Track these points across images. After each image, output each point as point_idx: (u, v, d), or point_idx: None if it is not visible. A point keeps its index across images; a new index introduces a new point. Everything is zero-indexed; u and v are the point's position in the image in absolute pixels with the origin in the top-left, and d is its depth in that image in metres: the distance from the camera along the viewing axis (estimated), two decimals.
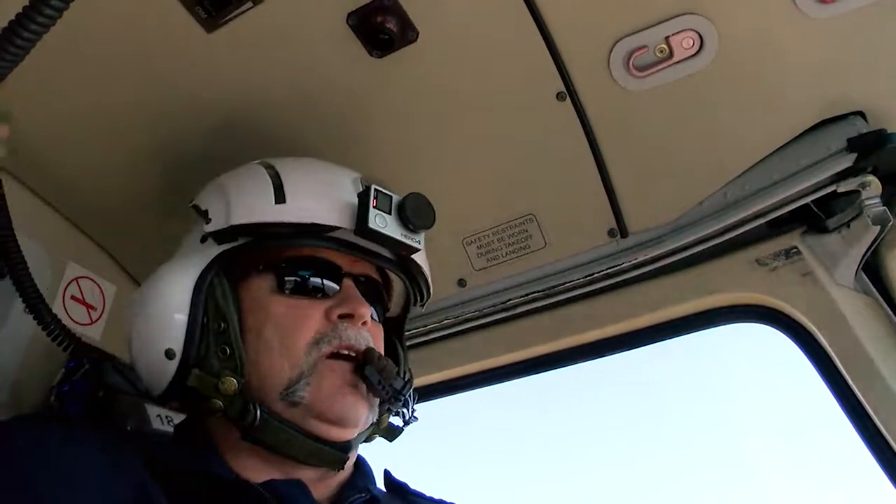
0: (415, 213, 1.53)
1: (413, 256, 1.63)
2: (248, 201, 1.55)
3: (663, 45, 1.76)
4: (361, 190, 1.55)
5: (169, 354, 1.47)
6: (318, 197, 1.56)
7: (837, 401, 1.94)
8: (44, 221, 2.14)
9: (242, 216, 1.53)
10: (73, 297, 2.16)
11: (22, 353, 1.99)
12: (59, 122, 1.95)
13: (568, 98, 1.87)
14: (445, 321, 2.34)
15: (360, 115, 1.94)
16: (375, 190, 1.51)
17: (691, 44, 1.75)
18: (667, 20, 1.72)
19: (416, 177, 2.04)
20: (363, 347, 1.51)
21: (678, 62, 1.78)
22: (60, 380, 2.00)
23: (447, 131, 1.98)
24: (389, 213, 1.52)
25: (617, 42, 1.77)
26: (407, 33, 1.74)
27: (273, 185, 1.55)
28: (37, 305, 1.75)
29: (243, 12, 1.69)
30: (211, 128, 1.95)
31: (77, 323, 2.12)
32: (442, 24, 1.74)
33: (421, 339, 2.39)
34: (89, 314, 2.20)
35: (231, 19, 1.71)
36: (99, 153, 2.04)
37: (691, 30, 1.73)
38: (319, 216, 1.52)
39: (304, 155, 1.77)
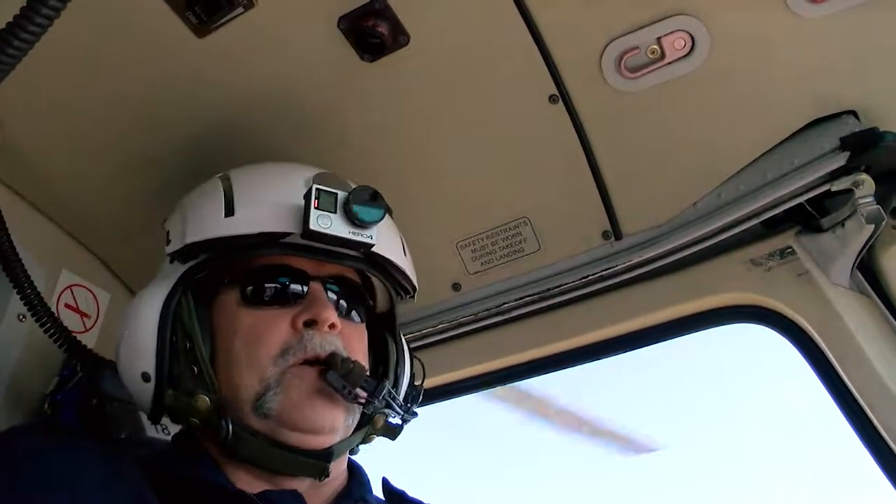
0: (359, 208, 1.48)
1: (379, 251, 1.58)
2: (200, 218, 1.55)
3: (655, 46, 1.76)
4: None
5: (145, 378, 1.48)
6: (266, 205, 1.53)
7: (834, 400, 1.94)
8: (36, 229, 2.13)
9: (195, 233, 1.53)
10: (66, 305, 2.16)
11: (15, 362, 1.98)
12: (50, 129, 1.95)
13: (560, 100, 1.87)
14: (440, 325, 2.32)
15: (351, 119, 1.94)
16: (317, 189, 1.48)
17: (683, 44, 1.74)
18: (658, 21, 1.72)
19: (409, 181, 2.04)
20: (327, 353, 1.48)
21: (670, 63, 1.77)
22: (54, 388, 1.99)
23: (439, 135, 1.98)
24: (335, 212, 1.48)
25: (609, 43, 1.77)
26: (398, 37, 1.73)
27: (225, 197, 1.55)
28: (33, 301, 1.75)
29: (234, 17, 1.69)
30: (202, 133, 1.95)
31: (71, 331, 2.11)
32: (433, 27, 1.74)
33: (416, 343, 2.37)
34: (83, 322, 2.20)
35: (222, 24, 1.70)
36: (91, 160, 2.04)
37: (683, 30, 1.73)
38: (267, 224, 1.50)
39: (297, 160, 1.76)
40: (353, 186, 1.57)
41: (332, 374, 1.44)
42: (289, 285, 1.55)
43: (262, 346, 1.47)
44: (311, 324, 1.50)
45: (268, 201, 1.54)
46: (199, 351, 1.48)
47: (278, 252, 1.54)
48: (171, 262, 1.59)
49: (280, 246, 1.53)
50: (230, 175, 1.63)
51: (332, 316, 1.50)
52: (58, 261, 2.17)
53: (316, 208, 1.46)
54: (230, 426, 1.42)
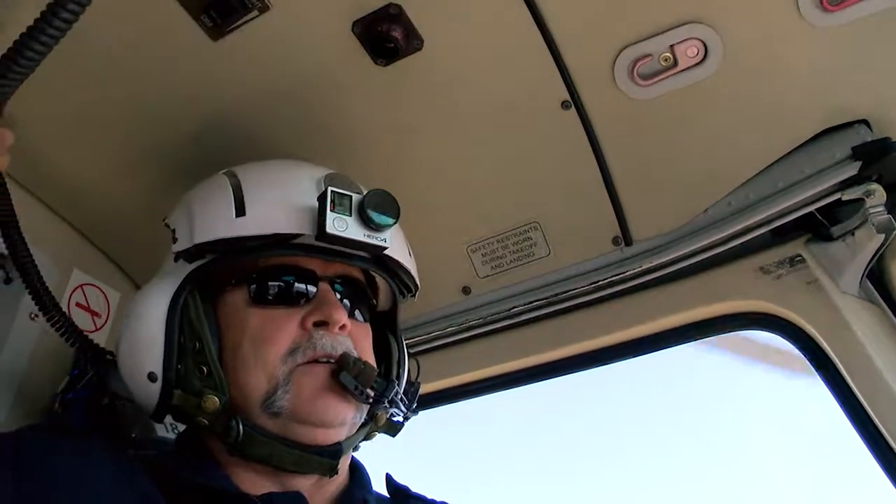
0: (375, 212, 1.49)
1: (388, 252, 1.58)
2: (209, 217, 1.53)
3: (667, 54, 1.76)
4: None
5: (151, 377, 1.47)
6: (278, 205, 1.53)
7: (842, 408, 1.94)
8: (48, 228, 2.14)
9: (205, 234, 1.51)
10: (77, 304, 2.16)
11: (26, 361, 1.99)
12: (63, 128, 1.95)
13: (573, 106, 1.87)
14: (450, 328, 2.33)
15: (364, 122, 1.95)
16: (333, 192, 1.47)
17: (696, 52, 1.75)
18: (671, 29, 1.73)
19: (421, 184, 2.05)
20: (339, 353, 1.48)
21: (682, 71, 1.78)
22: (65, 387, 2.00)
23: (451, 139, 1.98)
24: (350, 215, 1.47)
25: (621, 50, 1.77)
26: (412, 42, 1.74)
27: (234, 197, 1.53)
28: (44, 300, 1.75)
29: (249, 21, 1.70)
30: (216, 135, 1.96)
31: (82, 330, 2.12)
32: (447, 32, 1.74)
33: (425, 346, 2.39)
34: (94, 321, 2.21)
35: (237, 27, 1.71)
36: (103, 160, 2.05)
37: (696, 38, 1.73)
38: (280, 226, 1.50)
39: (310, 162, 1.76)
40: (361, 187, 1.58)
41: (344, 374, 1.45)
42: (297, 285, 1.55)
43: (271, 345, 1.47)
44: (320, 324, 1.50)
45: (279, 201, 1.53)
46: (208, 351, 1.48)
47: (287, 252, 1.54)
48: (176, 260, 1.58)
49: (290, 246, 1.53)
50: (236, 172, 1.62)
51: (343, 317, 1.51)
52: (69, 260, 2.18)
53: (332, 211, 1.46)
54: (240, 426, 1.42)
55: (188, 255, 1.54)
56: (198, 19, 1.69)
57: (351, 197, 1.49)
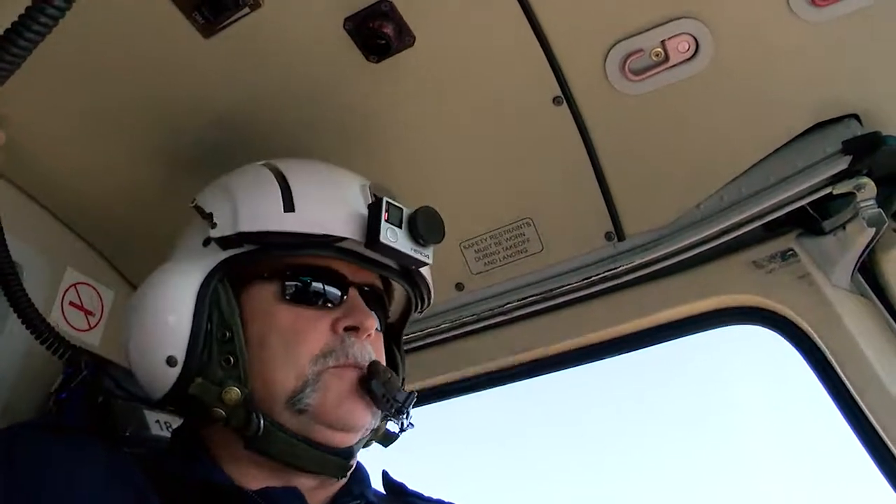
0: (426, 227, 1.51)
1: (423, 269, 1.62)
2: (255, 208, 1.51)
3: (659, 49, 1.76)
4: (371, 199, 1.54)
5: (171, 362, 1.44)
6: (328, 206, 1.53)
7: (834, 402, 1.95)
8: (41, 227, 2.14)
9: (250, 223, 1.49)
10: (71, 303, 2.16)
11: (20, 360, 1.99)
12: (56, 126, 1.95)
13: (564, 102, 1.87)
14: (443, 325, 2.33)
15: (357, 119, 1.95)
16: (387, 202, 1.49)
17: (687, 47, 1.75)
18: (662, 24, 1.73)
19: (414, 181, 2.04)
20: (367, 362, 1.49)
21: (674, 66, 1.78)
22: (58, 386, 1.99)
23: (444, 136, 1.99)
24: (400, 227, 1.49)
25: (613, 46, 1.77)
26: (404, 38, 1.74)
27: (281, 191, 1.52)
28: (28, 314, 1.73)
29: (241, 18, 1.70)
30: (208, 132, 1.96)
31: (76, 329, 2.12)
32: (439, 28, 1.75)
33: (419, 342, 2.39)
34: (87, 320, 2.20)
35: (228, 25, 1.71)
36: (96, 158, 2.05)
37: (687, 34, 1.73)
38: (329, 227, 1.49)
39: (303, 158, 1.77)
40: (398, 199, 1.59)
41: (375, 382, 1.46)
42: (331, 288, 1.56)
43: (304, 344, 1.48)
44: (350, 329, 1.51)
45: (329, 203, 1.54)
46: (238, 341, 1.47)
47: (326, 254, 1.54)
48: (206, 244, 1.55)
49: (332, 249, 1.53)
50: (279, 167, 1.60)
51: (373, 324, 1.54)
52: (62, 259, 2.17)
53: (386, 221, 1.47)
54: (262, 420, 1.42)
55: (226, 241, 1.52)
56: (189, 16, 1.69)
57: (402, 210, 1.51)
